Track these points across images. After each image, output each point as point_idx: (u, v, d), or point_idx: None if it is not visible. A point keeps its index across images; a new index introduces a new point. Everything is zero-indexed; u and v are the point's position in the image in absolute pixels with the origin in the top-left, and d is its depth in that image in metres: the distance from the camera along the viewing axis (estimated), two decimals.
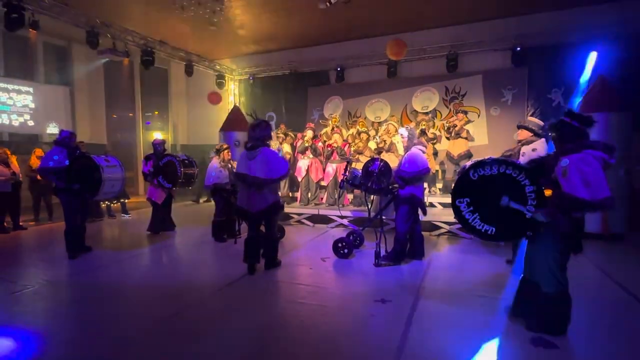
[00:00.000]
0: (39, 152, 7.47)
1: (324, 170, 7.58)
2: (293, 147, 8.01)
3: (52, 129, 10.53)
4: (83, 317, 3.39)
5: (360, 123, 8.56)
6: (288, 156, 7.67)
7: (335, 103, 10.15)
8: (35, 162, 7.08)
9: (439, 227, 6.42)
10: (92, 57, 10.18)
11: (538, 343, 2.73)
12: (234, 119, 9.33)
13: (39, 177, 7.03)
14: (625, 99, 6.01)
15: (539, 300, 2.85)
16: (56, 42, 10.77)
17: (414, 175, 4.48)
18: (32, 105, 10.31)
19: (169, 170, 6.37)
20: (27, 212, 7.62)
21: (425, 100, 9.08)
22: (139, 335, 2.98)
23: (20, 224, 7.07)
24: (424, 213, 4.77)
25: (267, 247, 4.57)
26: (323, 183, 7.68)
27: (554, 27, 8.28)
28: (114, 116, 12.57)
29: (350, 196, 7.67)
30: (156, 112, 13.39)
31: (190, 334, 2.97)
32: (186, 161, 6.55)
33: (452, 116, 8.02)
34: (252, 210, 4.30)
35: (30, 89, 10.31)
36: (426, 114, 8.79)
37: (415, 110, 9.39)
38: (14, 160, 7.06)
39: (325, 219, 7.27)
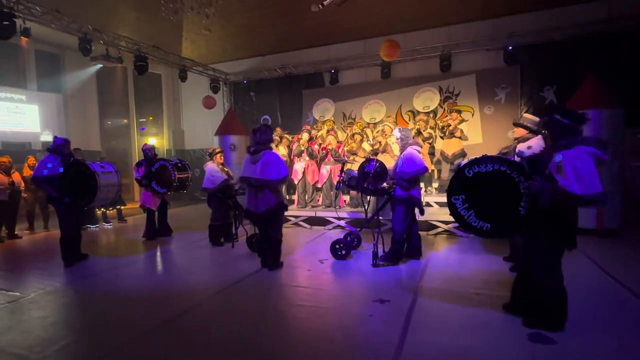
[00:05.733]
0: (31, 160, 7.42)
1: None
2: (289, 150, 8.01)
3: (46, 137, 10.48)
4: (80, 325, 3.36)
5: (358, 124, 8.56)
6: (285, 159, 7.66)
7: (325, 106, 9.93)
8: (28, 172, 7.03)
9: (436, 227, 6.44)
10: (85, 63, 10.17)
11: (536, 339, 2.75)
12: (229, 123, 9.32)
13: (23, 186, 6.98)
14: (616, 95, 6.07)
15: (535, 296, 2.88)
16: (48, 49, 10.73)
17: (414, 175, 4.50)
18: (25, 113, 10.26)
19: (163, 175, 6.29)
20: (22, 221, 7.56)
21: (427, 100, 9.03)
22: (137, 341, 2.96)
23: (15, 232, 7.01)
24: (422, 213, 4.77)
25: (271, 248, 4.64)
26: (319, 185, 7.68)
27: (545, 26, 8.38)
28: (109, 123, 12.53)
29: (346, 197, 7.67)
30: (150, 118, 13.36)
31: (189, 338, 2.96)
32: (179, 165, 6.47)
33: (447, 116, 8.06)
34: (257, 211, 4.46)
35: (23, 97, 10.26)
36: (427, 113, 8.77)
37: (410, 111, 9.41)
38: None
39: (322, 221, 7.27)
